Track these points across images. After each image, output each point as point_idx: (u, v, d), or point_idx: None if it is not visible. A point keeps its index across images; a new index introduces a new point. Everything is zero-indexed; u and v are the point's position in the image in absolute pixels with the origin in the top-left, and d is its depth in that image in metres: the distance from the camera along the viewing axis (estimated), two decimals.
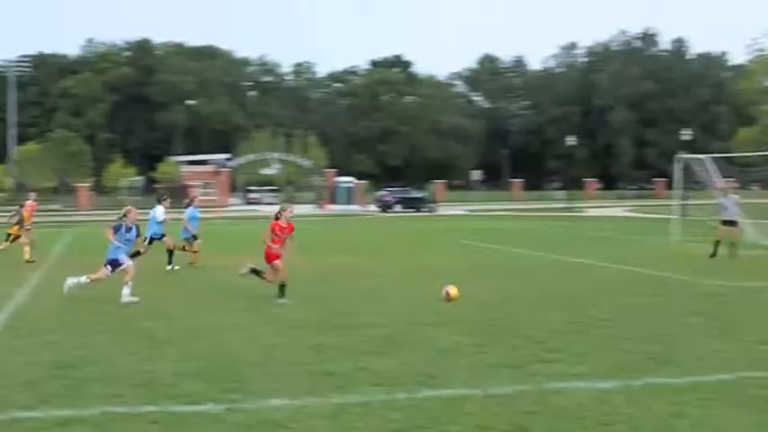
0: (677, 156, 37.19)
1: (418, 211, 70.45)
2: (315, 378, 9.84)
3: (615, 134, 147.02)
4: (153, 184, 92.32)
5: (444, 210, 71.34)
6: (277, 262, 16.00)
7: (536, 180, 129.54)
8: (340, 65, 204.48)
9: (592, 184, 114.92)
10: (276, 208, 17.15)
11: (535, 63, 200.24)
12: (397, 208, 71.87)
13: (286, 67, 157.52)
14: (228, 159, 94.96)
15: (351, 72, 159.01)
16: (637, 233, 39.59)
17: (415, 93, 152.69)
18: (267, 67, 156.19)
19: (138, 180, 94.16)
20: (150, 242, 22.42)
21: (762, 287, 18.41)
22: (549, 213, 66.65)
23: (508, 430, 7.79)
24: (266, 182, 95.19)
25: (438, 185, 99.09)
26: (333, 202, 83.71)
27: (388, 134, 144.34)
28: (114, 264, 16.19)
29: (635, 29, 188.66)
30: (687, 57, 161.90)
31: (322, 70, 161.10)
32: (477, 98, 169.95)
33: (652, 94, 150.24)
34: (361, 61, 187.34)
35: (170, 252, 22.70)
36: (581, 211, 69.40)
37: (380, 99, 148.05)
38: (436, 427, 7.84)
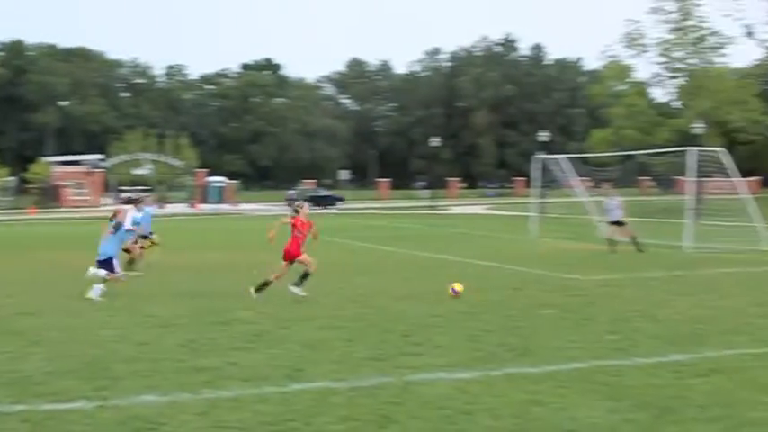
0: (535, 156, 38.14)
1: (325, 208, 70.81)
2: (185, 374, 9.72)
3: (477, 135, 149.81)
4: (25, 184, 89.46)
5: (314, 209, 71.22)
6: (304, 256, 15.94)
7: (402, 180, 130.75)
8: (212, 68, 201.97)
9: (455, 183, 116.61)
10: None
11: (401, 67, 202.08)
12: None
13: (158, 69, 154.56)
14: (101, 160, 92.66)
15: (222, 75, 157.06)
16: (497, 230, 40.41)
17: (284, 95, 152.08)
18: (139, 69, 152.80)
19: (11, 180, 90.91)
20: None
21: (613, 280, 19.10)
22: (415, 212, 67.38)
23: (373, 420, 7.86)
24: (139, 182, 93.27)
25: (307, 185, 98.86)
26: (204, 201, 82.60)
27: (259, 135, 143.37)
28: (109, 264, 16.20)
29: (496, 35, 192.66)
30: (545, 62, 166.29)
31: (194, 72, 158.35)
32: (346, 100, 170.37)
33: (512, 98, 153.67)
34: (233, 64, 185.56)
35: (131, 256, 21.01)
36: (445, 210, 70.43)
37: (251, 101, 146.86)
38: (304, 420, 7.86)
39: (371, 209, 72.59)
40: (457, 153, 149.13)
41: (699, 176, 31.55)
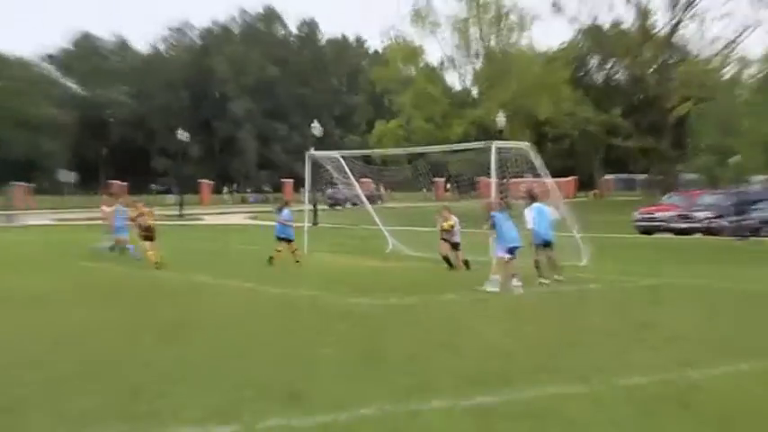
0: (308, 153, 38.11)
1: None
2: None
3: (236, 127, 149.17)
4: None
5: (29, 219, 68.45)
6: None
7: (143, 181, 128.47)
8: None
9: (208, 186, 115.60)
10: None
11: (142, 45, 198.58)
12: None
13: None
14: None
15: None
16: (262, 244, 40.14)
17: None
18: None
19: None
20: None
21: (408, 304, 19.10)
22: (159, 222, 66.03)
23: None
24: None
25: (20, 189, 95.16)
26: None
27: None
28: None
29: (256, 8, 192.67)
30: (318, 41, 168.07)
31: None
32: (71, 84, 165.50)
33: (277, 82, 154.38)
34: None
35: None
36: (196, 219, 69.57)
37: None
38: None
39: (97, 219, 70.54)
40: (210, 149, 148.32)
41: (503, 178, 32.39)
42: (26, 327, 16.12)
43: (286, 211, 30.26)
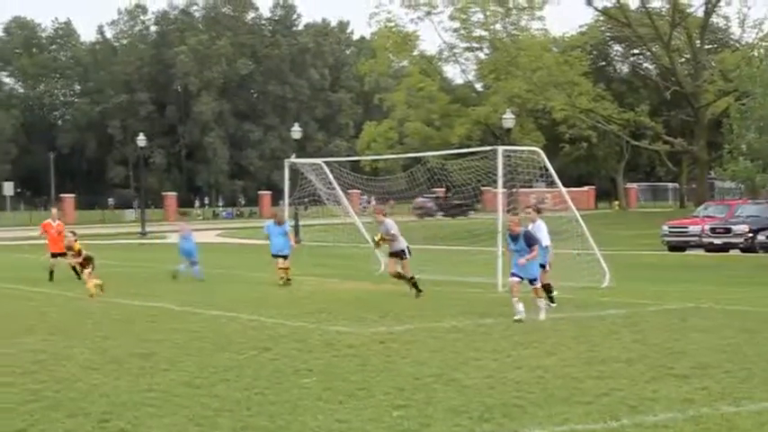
0: (287, 160, 38.27)
1: None
2: None
3: (203, 130, 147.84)
4: None
5: None
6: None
7: (97, 195, 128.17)
8: None
9: (173, 199, 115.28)
10: None
11: (88, 32, 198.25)
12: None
13: None
14: None
15: None
16: (235, 266, 40.33)
17: None
18: None
19: None
20: None
21: (398, 332, 19.30)
22: (119, 240, 66.31)
23: None
24: None
25: None
26: None
27: None
28: None
29: None
30: (296, 27, 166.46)
31: None
32: (7, 79, 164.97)
33: (250, 77, 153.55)
34: None
35: None
36: (159, 238, 69.60)
37: None
38: None
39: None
40: (174, 156, 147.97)
41: (512, 187, 32.55)
42: None
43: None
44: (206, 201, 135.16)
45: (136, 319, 22.14)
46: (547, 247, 23.70)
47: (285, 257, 30.66)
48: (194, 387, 13.88)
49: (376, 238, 27.93)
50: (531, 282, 21.55)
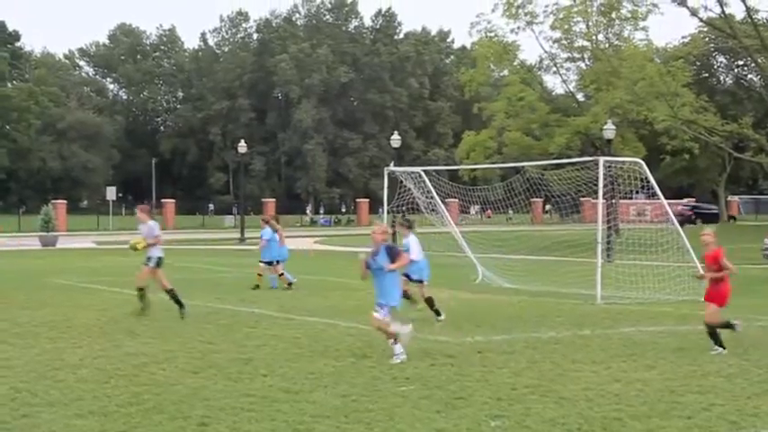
0: (386, 168, 38.33)
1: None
2: None
3: (303, 138, 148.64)
4: None
5: (67, 241, 69.40)
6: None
7: (197, 200, 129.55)
8: None
9: (272, 206, 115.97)
10: None
11: (192, 39, 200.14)
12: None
13: None
14: None
15: None
16: (333, 273, 40.44)
17: (20, 76, 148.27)
18: None
19: None
20: None
21: (496, 342, 19.28)
22: (216, 246, 66.81)
23: None
24: None
25: (60, 208, 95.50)
26: None
27: None
28: None
29: None
30: (397, 36, 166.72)
31: None
32: (111, 85, 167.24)
33: (350, 84, 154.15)
34: None
35: None
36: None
37: None
38: None
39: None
40: (274, 163, 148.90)
41: (611, 198, 32.35)
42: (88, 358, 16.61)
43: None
44: (308, 208, 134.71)
45: (236, 325, 22.34)
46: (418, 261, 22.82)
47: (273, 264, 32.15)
48: (292, 393, 14.00)
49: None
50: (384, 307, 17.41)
